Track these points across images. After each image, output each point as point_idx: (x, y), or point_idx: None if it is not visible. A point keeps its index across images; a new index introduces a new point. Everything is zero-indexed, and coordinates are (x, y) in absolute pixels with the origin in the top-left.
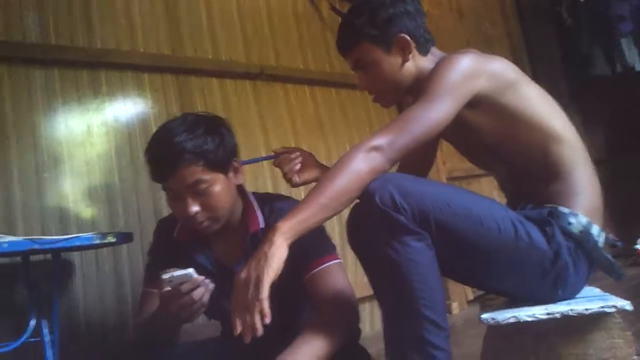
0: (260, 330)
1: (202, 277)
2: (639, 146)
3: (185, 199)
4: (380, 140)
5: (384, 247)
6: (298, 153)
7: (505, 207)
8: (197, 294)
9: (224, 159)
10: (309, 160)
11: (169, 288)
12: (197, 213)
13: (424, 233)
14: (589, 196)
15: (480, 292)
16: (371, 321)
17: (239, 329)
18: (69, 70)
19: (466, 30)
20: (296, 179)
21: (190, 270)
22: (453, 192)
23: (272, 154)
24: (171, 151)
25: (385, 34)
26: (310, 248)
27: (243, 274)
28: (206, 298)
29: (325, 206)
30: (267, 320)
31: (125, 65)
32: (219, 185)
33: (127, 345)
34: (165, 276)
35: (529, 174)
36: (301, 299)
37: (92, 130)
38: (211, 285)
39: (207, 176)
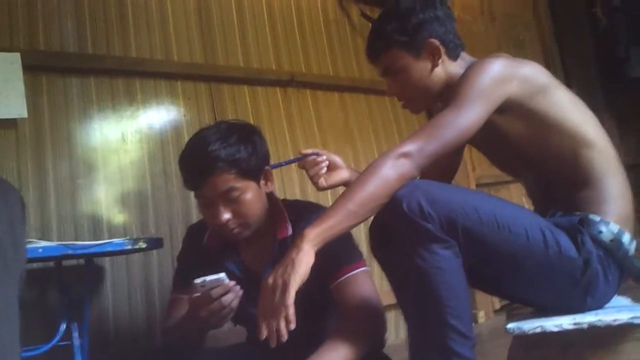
0: (285, 336)
1: (232, 282)
2: None
3: (218, 207)
4: (409, 147)
5: (411, 255)
6: (325, 157)
7: (534, 214)
8: (226, 299)
9: (256, 167)
10: (336, 164)
11: (199, 293)
12: (228, 221)
13: (452, 241)
14: (620, 204)
15: (507, 302)
16: (396, 330)
17: (264, 333)
18: (105, 78)
19: (498, 34)
20: (323, 182)
21: (222, 275)
22: (481, 198)
23: (300, 155)
24: (205, 160)
25: (415, 40)
26: (338, 256)
27: (270, 280)
28: (235, 304)
29: (353, 213)
30: (292, 326)
31: (159, 74)
32: (250, 193)
33: (155, 350)
34: (198, 281)
35: (559, 180)
36: (328, 306)
37: (126, 138)
38: (240, 292)
39: (239, 184)
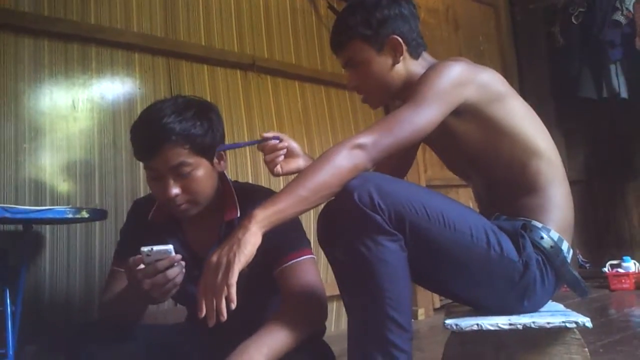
0: (225, 315)
1: (179, 256)
2: (616, 170)
3: (167, 181)
4: (365, 139)
5: (358, 244)
6: (285, 143)
7: (480, 215)
8: (171, 272)
9: (210, 145)
10: (295, 151)
11: (142, 266)
12: (177, 196)
13: (398, 234)
14: (562, 213)
15: (448, 300)
16: (337, 321)
17: (204, 311)
18: (59, 42)
19: (460, 41)
20: (278, 169)
21: (170, 247)
22: (430, 196)
23: (260, 137)
24: (158, 130)
25: (378, 34)
26: (284, 242)
27: (214, 258)
28: (179, 279)
29: (304, 199)
30: (233, 306)
31: (117, 43)
32: (202, 170)
33: (90, 324)
34: (145, 249)
35: (506, 186)
36: (271, 292)
37: (76, 105)
38: (183, 268)
39: (192, 160)
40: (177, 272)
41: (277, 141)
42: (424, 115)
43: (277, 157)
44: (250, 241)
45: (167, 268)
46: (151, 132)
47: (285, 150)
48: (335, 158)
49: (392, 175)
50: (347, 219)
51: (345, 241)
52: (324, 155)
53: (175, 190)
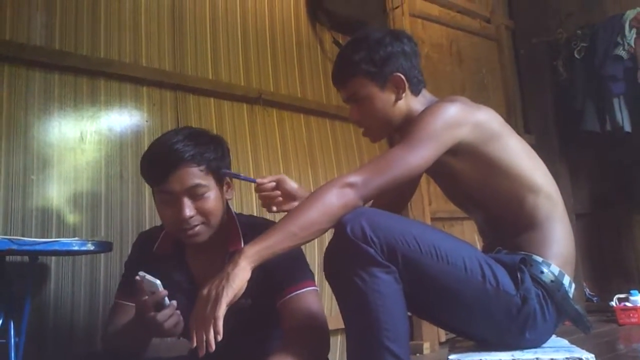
0: (213, 346)
1: (165, 292)
2: (622, 203)
3: (182, 202)
4: (355, 178)
5: (353, 276)
6: (279, 192)
7: (474, 248)
8: (161, 316)
9: (221, 170)
10: (292, 193)
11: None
12: (192, 217)
13: (392, 267)
14: (563, 247)
15: (453, 335)
16: (342, 354)
17: (194, 342)
18: (69, 75)
19: (464, 75)
20: (272, 208)
21: (158, 282)
22: (422, 229)
23: (256, 179)
24: (174, 151)
25: (382, 71)
26: (287, 274)
27: (205, 291)
28: (172, 321)
29: (293, 235)
30: (219, 337)
31: (126, 77)
32: (214, 193)
33: (93, 355)
34: (140, 273)
35: (506, 222)
36: (275, 324)
37: (85, 138)
38: (176, 310)
39: (206, 182)
40: (167, 315)
41: (273, 184)
42: (415, 157)
43: (271, 200)
44: (239, 276)
45: (157, 303)
46: (167, 154)
47: (279, 193)
48: (326, 196)
49: (390, 208)
50: (341, 252)
51: (342, 274)
52: (315, 193)
53: (190, 212)
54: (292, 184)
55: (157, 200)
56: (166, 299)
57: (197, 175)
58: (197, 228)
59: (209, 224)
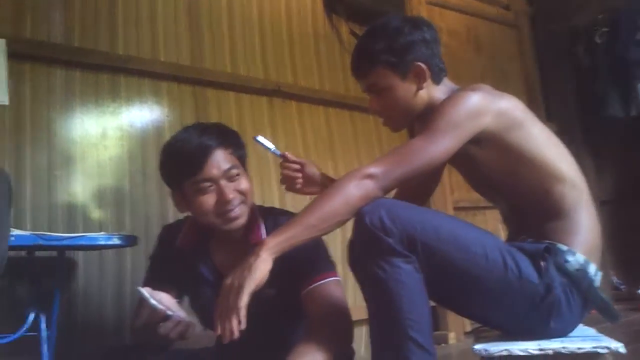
0: (236, 334)
1: (162, 310)
2: None
3: (221, 186)
4: (375, 169)
5: (374, 267)
6: (300, 175)
7: (496, 237)
8: (164, 328)
9: (245, 157)
10: (314, 178)
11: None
12: (234, 198)
13: (412, 256)
14: (589, 236)
15: (478, 324)
16: (367, 344)
17: (219, 331)
18: (90, 72)
19: (482, 63)
20: (294, 187)
21: (154, 302)
22: (442, 218)
23: (283, 154)
24: (207, 139)
25: (403, 61)
26: (310, 264)
27: (228, 281)
28: (177, 331)
29: (313, 226)
30: (242, 326)
31: (145, 73)
32: (245, 175)
33: (122, 348)
34: (139, 291)
35: (531, 210)
36: (298, 315)
37: (107, 133)
38: (184, 318)
39: (238, 163)
40: (168, 328)
41: (298, 166)
42: (437, 147)
43: (292, 179)
44: (260, 267)
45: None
46: (200, 142)
47: (300, 180)
48: (345, 187)
49: (414, 200)
50: (362, 243)
51: (363, 265)
52: (335, 185)
53: (232, 193)
54: (314, 170)
55: (190, 194)
56: (168, 312)
57: (229, 158)
58: (237, 209)
59: (247, 204)
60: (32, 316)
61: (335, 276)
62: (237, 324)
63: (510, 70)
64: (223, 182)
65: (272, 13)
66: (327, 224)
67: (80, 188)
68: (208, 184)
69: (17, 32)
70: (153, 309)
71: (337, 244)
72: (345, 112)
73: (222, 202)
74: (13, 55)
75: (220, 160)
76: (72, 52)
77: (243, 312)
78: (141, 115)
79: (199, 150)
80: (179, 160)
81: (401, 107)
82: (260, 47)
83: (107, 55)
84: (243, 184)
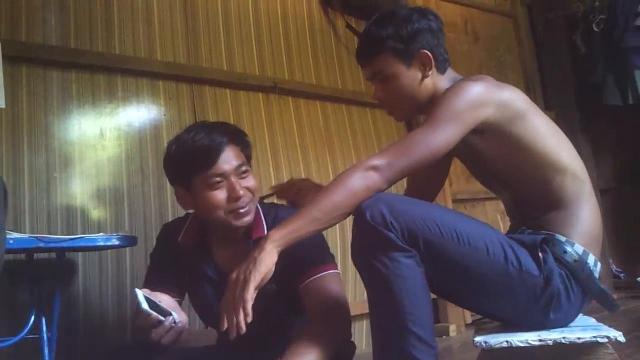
0: (244, 329)
1: (154, 316)
2: None
3: (232, 181)
4: (379, 161)
5: (375, 262)
6: (294, 186)
7: (496, 231)
8: (156, 335)
9: (252, 156)
10: (307, 186)
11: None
12: (244, 195)
13: (413, 251)
14: (589, 227)
15: (479, 316)
16: (368, 339)
17: (225, 326)
18: (86, 73)
19: (480, 54)
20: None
21: (146, 308)
22: (444, 213)
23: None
24: (219, 136)
25: (409, 49)
26: (308, 257)
27: (234, 276)
28: (169, 337)
29: (317, 219)
30: (249, 319)
31: (142, 72)
32: (252, 173)
33: (123, 348)
34: (135, 292)
35: (531, 201)
36: (298, 310)
37: (104, 134)
38: (178, 324)
39: (246, 161)
40: (160, 335)
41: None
42: (439, 137)
43: (294, 195)
44: (266, 260)
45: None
46: (212, 138)
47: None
48: (349, 180)
49: (424, 193)
50: (363, 238)
51: (364, 260)
52: (339, 178)
53: (243, 190)
54: (305, 182)
55: (199, 189)
56: (160, 317)
57: (239, 156)
58: (247, 208)
59: (253, 204)
60: (33, 319)
61: (334, 269)
62: (244, 317)
63: (508, 60)
64: (234, 179)
65: (268, 9)
66: (331, 217)
67: (78, 189)
68: (219, 179)
69: (12, 35)
70: (146, 314)
71: (336, 238)
72: (343, 106)
73: (233, 198)
74: (9, 58)
75: (232, 156)
76: (68, 53)
77: (249, 306)
78: (139, 115)
79: (213, 146)
80: (192, 155)
81: (406, 96)
82: (257, 43)
83: (103, 56)
84: (251, 181)
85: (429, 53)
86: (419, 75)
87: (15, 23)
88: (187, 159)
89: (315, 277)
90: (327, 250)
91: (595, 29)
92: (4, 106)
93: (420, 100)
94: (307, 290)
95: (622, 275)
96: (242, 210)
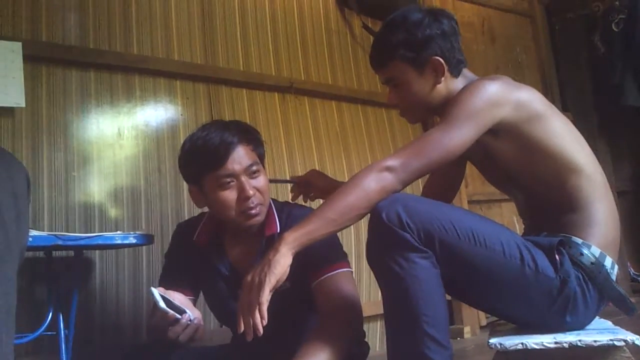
0: (260, 330)
1: (171, 314)
2: None
3: (242, 181)
4: (393, 162)
5: (390, 262)
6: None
7: (513, 232)
8: (172, 332)
9: (264, 154)
10: (323, 186)
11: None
12: (254, 195)
13: (429, 251)
14: (605, 229)
15: (494, 318)
16: (382, 340)
17: (242, 327)
18: (105, 73)
19: (497, 54)
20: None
21: (162, 305)
22: (459, 214)
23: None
24: (230, 135)
25: (420, 56)
26: (321, 255)
27: (249, 278)
28: (187, 334)
29: (332, 221)
30: (264, 322)
31: (159, 72)
32: (264, 172)
33: (139, 346)
34: (151, 290)
35: (547, 203)
36: (311, 305)
37: (122, 133)
38: (194, 320)
39: (258, 160)
40: (176, 333)
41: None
42: (455, 137)
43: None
44: (280, 262)
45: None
46: (223, 137)
47: (311, 193)
48: (364, 181)
49: (441, 194)
50: (378, 238)
51: (380, 260)
52: (353, 178)
53: (253, 190)
54: (320, 181)
55: (210, 189)
56: (177, 315)
57: (250, 155)
58: (256, 208)
59: (264, 203)
60: (50, 315)
61: (346, 267)
62: (260, 319)
63: (525, 60)
64: (244, 178)
65: (284, 9)
66: (346, 218)
67: (96, 188)
68: (229, 179)
69: (33, 35)
70: (163, 312)
71: (351, 238)
72: (358, 106)
73: (243, 198)
74: (29, 58)
75: (242, 156)
76: (87, 53)
77: (264, 308)
78: (156, 114)
79: (222, 145)
80: (202, 154)
81: (418, 101)
82: (273, 43)
83: (121, 55)
84: (262, 181)
85: (441, 59)
86: (431, 80)
87: (35, 23)
88: (197, 158)
89: (328, 275)
90: (340, 248)
91: (615, 29)
92: (23, 105)
93: (433, 104)
94: (319, 287)
95: (639, 277)
96: (251, 212)
